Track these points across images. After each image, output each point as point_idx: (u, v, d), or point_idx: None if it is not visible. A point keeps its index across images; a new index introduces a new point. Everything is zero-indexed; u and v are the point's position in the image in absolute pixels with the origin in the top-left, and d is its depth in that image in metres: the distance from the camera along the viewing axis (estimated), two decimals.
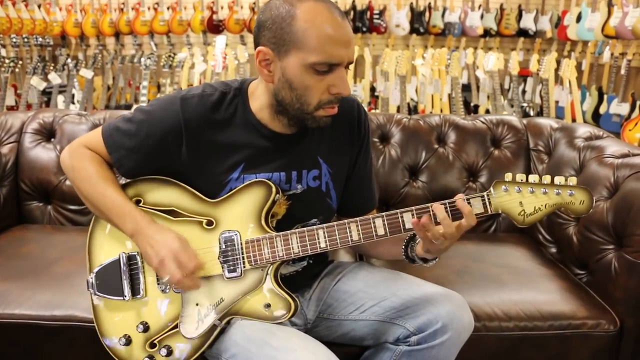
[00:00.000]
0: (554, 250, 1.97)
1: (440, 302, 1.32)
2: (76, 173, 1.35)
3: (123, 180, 1.39)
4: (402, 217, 1.23)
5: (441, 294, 1.35)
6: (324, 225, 1.27)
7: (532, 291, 1.68)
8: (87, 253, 1.37)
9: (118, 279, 1.32)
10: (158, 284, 1.32)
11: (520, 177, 1.19)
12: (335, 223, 1.27)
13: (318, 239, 1.27)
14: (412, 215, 1.22)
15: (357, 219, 1.26)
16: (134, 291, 1.32)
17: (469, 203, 1.19)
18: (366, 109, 4.92)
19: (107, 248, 1.35)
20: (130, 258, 1.33)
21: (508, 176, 1.19)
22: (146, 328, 1.30)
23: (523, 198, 1.18)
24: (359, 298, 1.42)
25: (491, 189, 1.20)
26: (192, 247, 1.28)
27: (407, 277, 1.44)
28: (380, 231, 1.24)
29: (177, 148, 1.31)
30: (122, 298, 1.31)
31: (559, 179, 1.18)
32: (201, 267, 1.27)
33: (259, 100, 1.32)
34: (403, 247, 1.35)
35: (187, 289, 1.28)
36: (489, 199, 1.20)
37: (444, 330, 1.29)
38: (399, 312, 1.35)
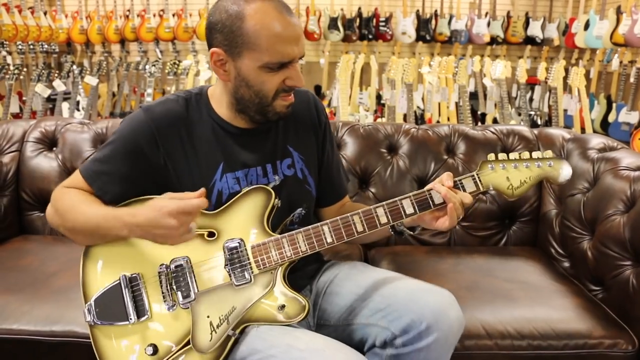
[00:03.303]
0: (567, 264, 1.92)
1: (423, 300, 1.26)
2: (59, 213, 1.31)
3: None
4: (401, 203, 1.29)
5: (425, 290, 1.30)
6: (328, 221, 1.29)
7: (545, 308, 1.62)
8: (81, 285, 1.31)
9: (120, 303, 1.27)
10: (164, 301, 1.26)
11: (502, 156, 1.31)
12: (338, 217, 1.29)
13: (324, 234, 1.28)
14: (411, 201, 1.29)
15: (359, 210, 1.30)
16: (139, 313, 1.26)
17: (461, 183, 1.30)
18: (372, 117, 4.90)
19: (103, 274, 1.30)
20: (132, 279, 1.28)
21: (491, 156, 1.31)
22: (155, 350, 1.24)
23: (508, 173, 1.30)
24: (351, 301, 1.37)
25: (478, 168, 1.31)
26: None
27: (397, 276, 1.40)
28: (383, 219, 1.29)
29: (156, 157, 1.32)
30: (127, 322, 1.26)
31: (536, 154, 1.31)
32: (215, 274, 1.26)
33: (220, 101, 1.37)
34: None
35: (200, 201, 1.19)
36: (479, 177, 1.30)
37: (428, 331, 1.21)
38: (384, 313, 1.29)
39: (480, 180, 1.30)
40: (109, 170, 1.31)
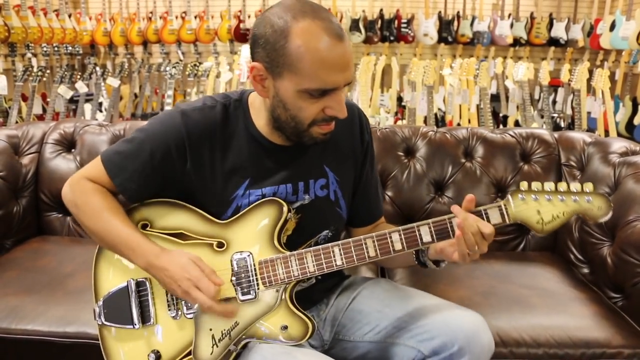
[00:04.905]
0: (586, 271, 1.88)
1: (456, 323, 1.24)
2: (80, 209, 1.30)
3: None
4: (419, 230, 1.19)
5: (458, 314, 1.27)
6: (339, 242, 1.23)
7: (562, 316, 1.59)
8: (92, 281, 1.32)
9: (127, 306, 1.27)
10: (169, 309, 1.26)
11: (536, 185, 1.16)
12: (350, 240, 1.23)
13: (334, 256, 1.22)
14: (429, 228, 1.19)
15: (373, 234, 1.22)
16: (144, 318, 1.26)
17: (486, 213, 1.17)
18: (393, 119, 4.87)
19: (114, 275, 1.31)
20: (139, 284, 1.28)
21: (524, 185, 1.17)
22: (158, 357, 1.25)
23: (540, 206, 1.16)
24: (374, 318, 1.35)
25: (508, 197, 1.17)
26: (209, 266, 1.22)
27: (424, 295, 1.38)
28: (398, 246, 1.21)
29: (182, 163, 1.26)
30: (131, 326, 1.26)
31: (575, 186, 1.16)
32: (221, 288, 1.21)
33: (259, 112, 1.29)
34: (414, 251, 1.29)
35: (220, 315, 1.22)
36: (506, 208, 1.17)
37: (460, 353, 1.20)
38: (413, 334, 1.28)
39: (507, 212, 1.16)
40: (133, 168, 1.26)
